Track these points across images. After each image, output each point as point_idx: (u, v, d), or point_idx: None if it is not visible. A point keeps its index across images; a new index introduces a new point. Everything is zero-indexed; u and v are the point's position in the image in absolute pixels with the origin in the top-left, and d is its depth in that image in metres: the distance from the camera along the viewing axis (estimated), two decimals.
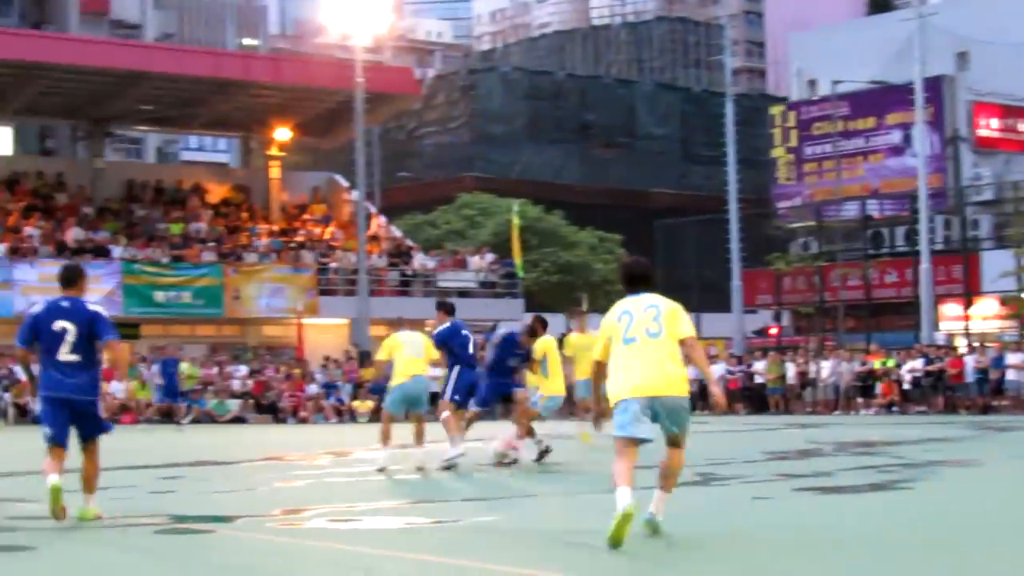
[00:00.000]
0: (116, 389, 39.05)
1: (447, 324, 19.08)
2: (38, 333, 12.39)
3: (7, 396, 39.54)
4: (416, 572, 9.29)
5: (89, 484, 12.51)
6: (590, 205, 78.33)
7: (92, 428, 12.48)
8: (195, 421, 39.43)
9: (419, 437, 18.76)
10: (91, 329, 12.32)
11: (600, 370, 11.10)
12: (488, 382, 19.16)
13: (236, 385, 41.88)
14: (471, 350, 19.18)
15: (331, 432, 33.22)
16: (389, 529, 12.05)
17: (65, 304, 12.44)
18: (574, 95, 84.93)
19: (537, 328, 20.08)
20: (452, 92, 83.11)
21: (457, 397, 18.82)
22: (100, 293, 42.99)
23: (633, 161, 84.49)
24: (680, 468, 11.00)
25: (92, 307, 12.61)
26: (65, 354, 12.24)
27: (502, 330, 20.55)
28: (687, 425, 10.85)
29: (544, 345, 20.32)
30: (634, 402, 10.62)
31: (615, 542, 10.11)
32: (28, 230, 45.27)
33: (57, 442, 12.25)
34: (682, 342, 10.87)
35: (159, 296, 44.27)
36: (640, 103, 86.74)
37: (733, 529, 11.63)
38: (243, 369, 42.92)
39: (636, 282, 11.31)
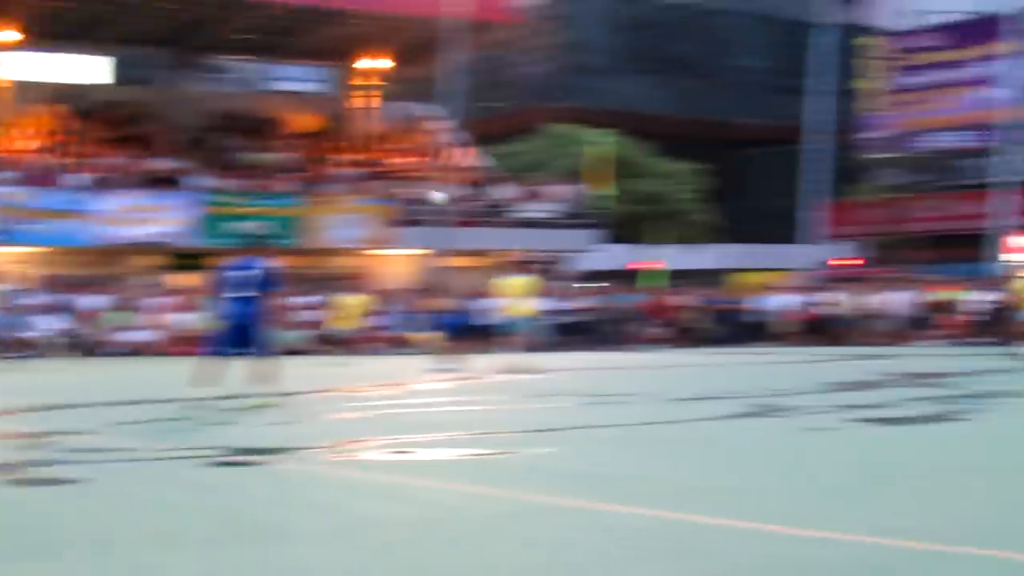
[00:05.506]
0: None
1: None
2: (228, 280, 17.77)
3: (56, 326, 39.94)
4: (470, 504, 9.40)
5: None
6: (677, 136, 78.04)
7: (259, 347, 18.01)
8: None
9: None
10: (265, 278, 17.77)
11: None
12: None
13: (305, 316, 41.83)
14: None
15: (398, 364, 32.88)
16: (446, 460, 12.10)
17: (243, 261, 17.88)
18: (666, 25, 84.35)
19: None
20: (545, 21, 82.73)
21: None
22: (179, 224, 43.42)
23: (722, 92, 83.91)
24: None
25: (265, 263, 17.99)
26: (245, 293, 17.56)
27: None
28: None
29: None
30: None
31: None
32: (113, 160, 45.64)
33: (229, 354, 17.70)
34: None
35: (239, 226, 44.37)
36: (732, 34, 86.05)
37: (783, 460, 11.79)
38: (315, 300, 42.78)
39: None
